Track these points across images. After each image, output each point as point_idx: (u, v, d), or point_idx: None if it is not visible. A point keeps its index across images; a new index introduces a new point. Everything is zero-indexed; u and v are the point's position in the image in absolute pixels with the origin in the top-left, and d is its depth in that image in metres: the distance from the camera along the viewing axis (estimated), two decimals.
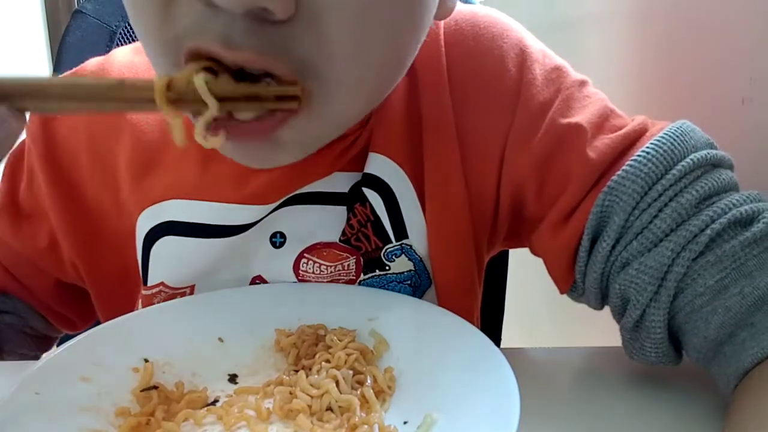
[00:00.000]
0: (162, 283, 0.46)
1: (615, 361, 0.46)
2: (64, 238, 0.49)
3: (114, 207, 0.49)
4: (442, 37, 0.46)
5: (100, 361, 0.38)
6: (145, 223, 0.46)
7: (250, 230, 0.45)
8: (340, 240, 0.46)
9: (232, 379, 0.40)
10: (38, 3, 2.00)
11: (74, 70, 0.52)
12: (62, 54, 0.70)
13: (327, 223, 0.46)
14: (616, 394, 0.42)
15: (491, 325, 0.77)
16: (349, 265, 0.47)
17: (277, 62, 0.33)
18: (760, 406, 0.34)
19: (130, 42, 0.69)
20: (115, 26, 0.69)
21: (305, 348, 0.40)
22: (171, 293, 0.47)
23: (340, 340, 0.40)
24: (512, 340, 0.77)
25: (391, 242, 0.46)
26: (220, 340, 0.42)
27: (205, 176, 0.45)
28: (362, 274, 0.47)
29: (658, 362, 0.41)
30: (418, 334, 0.41)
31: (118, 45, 0.70)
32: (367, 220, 0.46)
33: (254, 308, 0.44)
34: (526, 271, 0.85)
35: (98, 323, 0.43)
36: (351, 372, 0.38)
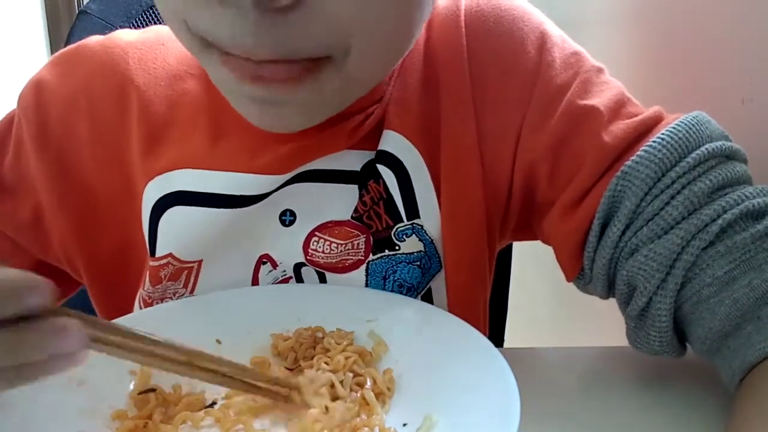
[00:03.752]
0: (170, 255, 0.46)
1: (616, 362, 0.46)
2: (56, 212, 0.48)
3: (117, 179, 0.48)
4: (462, 18, 0.46)
5: (97, 363, 0.37)
6: (153, 192, 0.46)
7: (259, 204, 0.45)
8: (352, 217, 0.46)
9: None
10: (38, 3, 1.99)
11: (75, 45, 0.50)
12: None
13: (338, 202, 0.46)
14: (617, 394, 0.42)
15: (495, 326, 0.76)
16: (359, 243, 0.46)
17: (287, 51, 0.35)
18: (765, 405, 0.34)
19: None
20: (120, 26, 0.69)
21: (303, 351, 0.40)
22: (179, 266, 0.46)
23: (338, 343, 0.40)
24: (513, 340, 0.77)
25: (403, 221, 0.46)
26: (218, 342, 0.41)
27: (216, 150, 0.45)
28: (371, 254, 0.46)
29: (662, 352, 0.40)
30: (417, 336, 0.41)
31: None
32: (379, 197, 0.46)
33: (252, 310, 0.44)
34: (528, 272, 0.85)
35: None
36: (351, 374, 0.37)
